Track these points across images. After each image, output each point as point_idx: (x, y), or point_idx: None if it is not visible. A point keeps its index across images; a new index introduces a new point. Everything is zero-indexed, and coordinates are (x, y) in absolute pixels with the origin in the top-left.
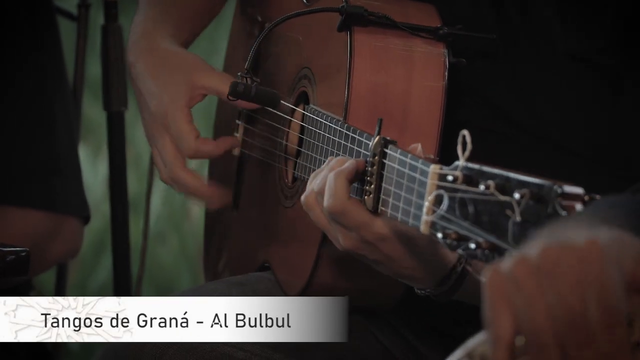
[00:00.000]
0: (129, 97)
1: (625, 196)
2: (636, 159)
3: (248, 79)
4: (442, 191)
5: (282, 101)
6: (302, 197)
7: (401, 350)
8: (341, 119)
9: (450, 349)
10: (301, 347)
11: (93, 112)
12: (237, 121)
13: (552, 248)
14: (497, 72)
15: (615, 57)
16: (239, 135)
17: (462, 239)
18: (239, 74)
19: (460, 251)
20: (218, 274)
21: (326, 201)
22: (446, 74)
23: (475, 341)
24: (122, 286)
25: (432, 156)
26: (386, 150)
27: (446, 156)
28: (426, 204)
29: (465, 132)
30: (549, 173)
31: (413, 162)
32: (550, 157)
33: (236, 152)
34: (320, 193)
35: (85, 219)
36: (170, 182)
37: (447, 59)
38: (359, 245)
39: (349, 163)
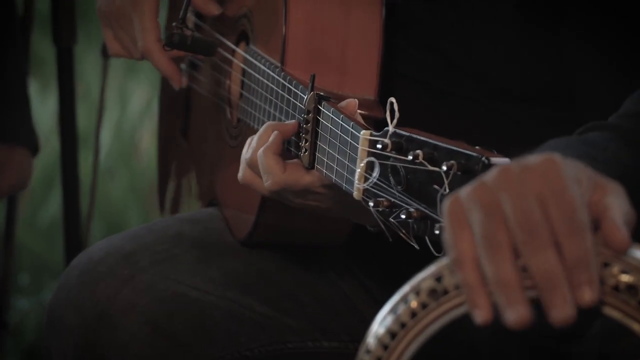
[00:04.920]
0: (78, 31)
1: (573, 138)
2: (580, 99)
3: (183, 29)
4: (373, 158)
5: (219, 48)
6: (240, 175)
7: (352, 287)
8: (279, 64)
9: (397, 285)
10: (254, 284)
11: (42, 47)
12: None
13: (509, 168)
14: (436, 13)
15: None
16: (185, 67)
17: (394, 207)
18: (173, 24)
19: (391, 220)
20: (175, 208)
21: (265, 182)
22: (383, 10)
23: (422, 276)
24: (72, 222)
25: (363, 114)
26: (320, 107)
27: (385, 100)
28: (358, 170)
29: (392, 99)
30: (491, 122)
31: (345, 125)
32: (492, 105)
33: (183, 83)
34: (253, 166)
35: (34, 150)
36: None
37: None
38: (308, 199)
39: (274, 136)
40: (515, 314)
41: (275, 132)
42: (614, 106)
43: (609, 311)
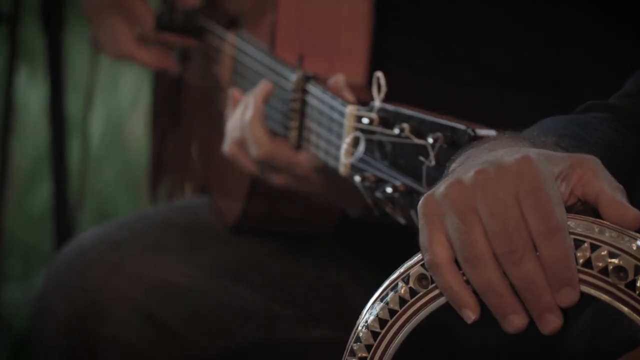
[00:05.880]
0: (68, 20)
1: (567, 117)
2: (572, 84)
3: (173, 11)
4: (359, 133)
5: (210, 30)
6: (225, 148)
7: (343, 275)
8: (268, 49)
9: (388, 273)
10: (244, 272)
11: (31, 36)
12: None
13: (484, 167)
14: None
15: None
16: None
17: (380, 182)
18: (162, 4)
19: (378, 194)
20: (166, 197)
21: (253, 152)
22: None
23: (410, 263)
24: (62, 210)
25: (350, 96)
26: (307, 86)
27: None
28: (344, 146)
29: (379, 73)
30: (483, 105)
31: (331, 102)
32: (483, 88)
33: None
34: (240, 141)
35: None
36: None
37: None
38: (291, 181)
39: (254, 104)
40: (510, 324)
41: (254, 100)
42: (605, 92)
43: (598, 294)
